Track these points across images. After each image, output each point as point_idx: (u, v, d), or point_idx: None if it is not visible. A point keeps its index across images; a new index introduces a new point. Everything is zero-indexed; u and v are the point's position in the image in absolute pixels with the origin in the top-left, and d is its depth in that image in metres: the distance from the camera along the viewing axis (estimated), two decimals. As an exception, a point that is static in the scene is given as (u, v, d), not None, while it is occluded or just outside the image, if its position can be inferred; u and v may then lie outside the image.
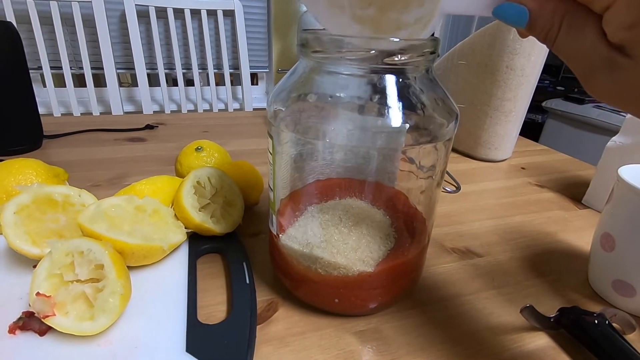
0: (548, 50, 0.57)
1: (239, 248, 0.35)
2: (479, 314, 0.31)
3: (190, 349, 0.25)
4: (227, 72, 1.48)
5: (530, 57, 0.55)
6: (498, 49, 0.55)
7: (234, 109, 1.57)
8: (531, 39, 0.53)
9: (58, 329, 0.24)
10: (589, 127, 1.83)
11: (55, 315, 0.24)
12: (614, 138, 0.46)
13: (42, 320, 0.24)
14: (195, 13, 1.42)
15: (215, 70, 1.49)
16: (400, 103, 0.23)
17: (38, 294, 0.24)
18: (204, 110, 1.52)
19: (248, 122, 0.82)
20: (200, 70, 1.45)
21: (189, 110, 1.49)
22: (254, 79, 1.86)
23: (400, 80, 0.23)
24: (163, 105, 1.42)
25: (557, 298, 0.33)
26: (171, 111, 1.46)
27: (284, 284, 0.31)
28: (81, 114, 1.33)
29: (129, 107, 1.52)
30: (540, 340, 0.28)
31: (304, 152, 0.29)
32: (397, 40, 0.22)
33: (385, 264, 0.28)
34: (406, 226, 0.30)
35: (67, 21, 1.26)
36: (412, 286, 0.32)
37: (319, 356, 0.26)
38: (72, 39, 1.31)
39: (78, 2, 1.22)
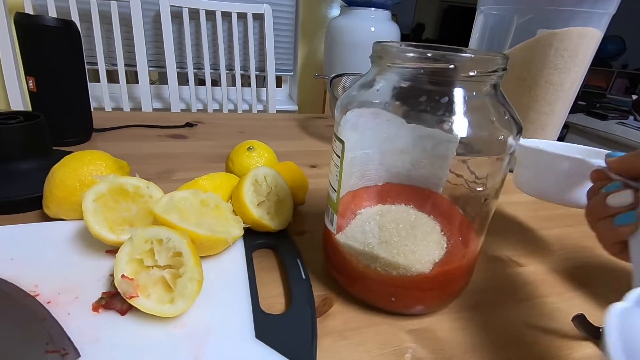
0: (588, 66, 0.57)
1: (291, 245, 0.37)
2: (526, 321, 0.32)
3: (259, 335, 0.26)
4: (253, 74, 1.51)
5: (570, 73, 0.56)
6: (538, 63, 0.56)
7: (258, 111, 1.59)
8: (572, 54, 0.54)
9: (142, 309, 0.26)
10: (611, 143, 1.81)
11: (139, 296, 0.26)
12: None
13: (127, 300, 0.26)
14: (226, 15, 1.45)
15: (242, 72, 1.52)
16: (468, 115, 0.25)
17: (123, 276, 0.26)
18: (229, 111, 1.55)
19: (281, 124, 0.84)
20: (227, 71, 1.48)
21: (214, 110, 1.52)
22: (278, 81, 1.89)
23: (474, 93, 0.25)
24: (190, 103, 1.46)
25: (600, 310, 0.34)
26: (197, 110, 1.50)
27: (337, 280, 0.33)
28: (112, 108, 1.37)
29: (157, 105, 1.56)
30: (588, 349, 0.29)
31: (367, 156, 0.30)
32: (472, 55, 0.24)
33: (441, 267, 0.29)
34: (461, 233, 0.31)
35: (105, 19, 1.30)
36: (463, 290, 0.33)
37: (377, 350, 0.27)
38: (107, 36, 1.36)
39: (116, 1, 1.26)
